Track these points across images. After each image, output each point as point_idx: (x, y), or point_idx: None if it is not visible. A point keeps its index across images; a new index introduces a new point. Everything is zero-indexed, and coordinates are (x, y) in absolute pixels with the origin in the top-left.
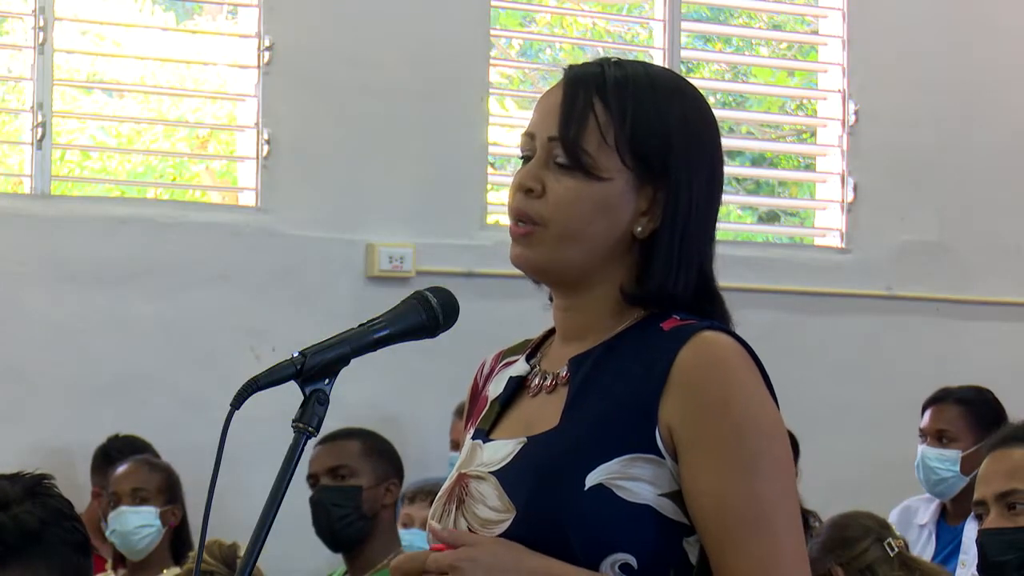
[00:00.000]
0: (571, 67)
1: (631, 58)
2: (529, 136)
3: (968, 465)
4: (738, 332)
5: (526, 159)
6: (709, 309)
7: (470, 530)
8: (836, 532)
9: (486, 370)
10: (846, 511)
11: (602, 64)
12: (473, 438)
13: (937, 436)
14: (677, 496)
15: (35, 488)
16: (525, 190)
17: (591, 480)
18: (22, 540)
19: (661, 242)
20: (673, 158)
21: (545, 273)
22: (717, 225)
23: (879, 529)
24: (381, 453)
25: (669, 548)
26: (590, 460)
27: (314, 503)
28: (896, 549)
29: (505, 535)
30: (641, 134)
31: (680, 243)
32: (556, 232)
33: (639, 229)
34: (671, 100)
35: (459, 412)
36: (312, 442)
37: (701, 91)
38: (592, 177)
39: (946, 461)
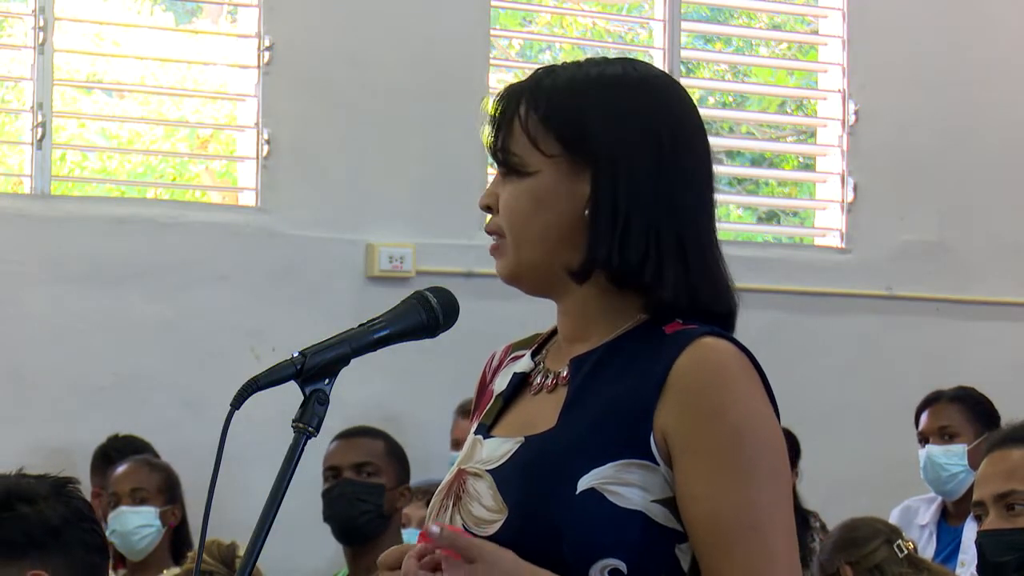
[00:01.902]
0: (509, 85)
1: (631, 58)
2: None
3: (974, 459)
4: (738, 332)
5: None
6: (698, 298)
7: (465, 528)
8: (846, 533)
9: (495, 363)
10: (856, 516)
11: (536, 73)
12: (475, 432)
13: (940, 434)
14: (670, 502)
15: (61, 489)
16: (485, 208)
17: (583, 484)
18: (43, 534)
19: (596, 212)
20: (592, 130)
21: (519, 280)
22: (717, 223)
23: (889, 532)
24: (399, 457)
25: (660, 554)
26: (584, 463)
27: (335, 495)
28: (905, 551)
29: (496, 535)
30: (553, 117)
31: (617, 208)
32: (511, 239)
33: (586, 213)
34: (592, 78)
35: (461, 411)
36: (322, 437)
37: (699, 90)
38: (522, 175)
39: (953, 456)
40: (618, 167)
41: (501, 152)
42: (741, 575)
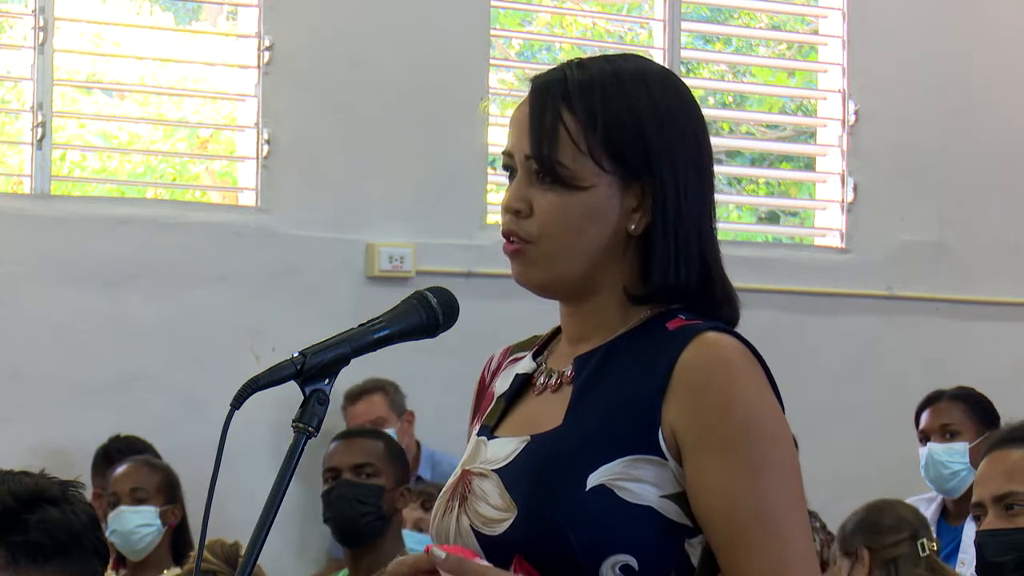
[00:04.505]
0: (535, 77)
1: (641, 56)
2: (508, 155)
3: (975, 457)
4: (738, 332)
5: (511, 175)
6: (710, 298)
7: (472, 528)
8: (873, 516)
9: (493, 365)
10: (886, 497)
11: (564, 69)
12: (478, 434)
13: (942, 432)
14: (679, 497)
15: (73, 492)
16: (513, 211)
17: (592, 480)
18: (68, 539)
19: (656, 235)
20: (651, 151)
21: (548, 288)
22: (717, 222)
23: (916, 526)
24: (399, 458)
25: (670, 550)
26: (592, 460)
27: (335, 497)
28: (927, 551)
29: (506, 534)
30: (614, 134)
31: (675, 233)
32: (548, 248)
33: (633, 227)
34: (641, 92)
35: (348, 397)
36: (321, 437)
37: (699, 90)
38: (574, 188)
39: (955, 454)
40: (674, 187)
41: (548, 161)
42: (760, 566)
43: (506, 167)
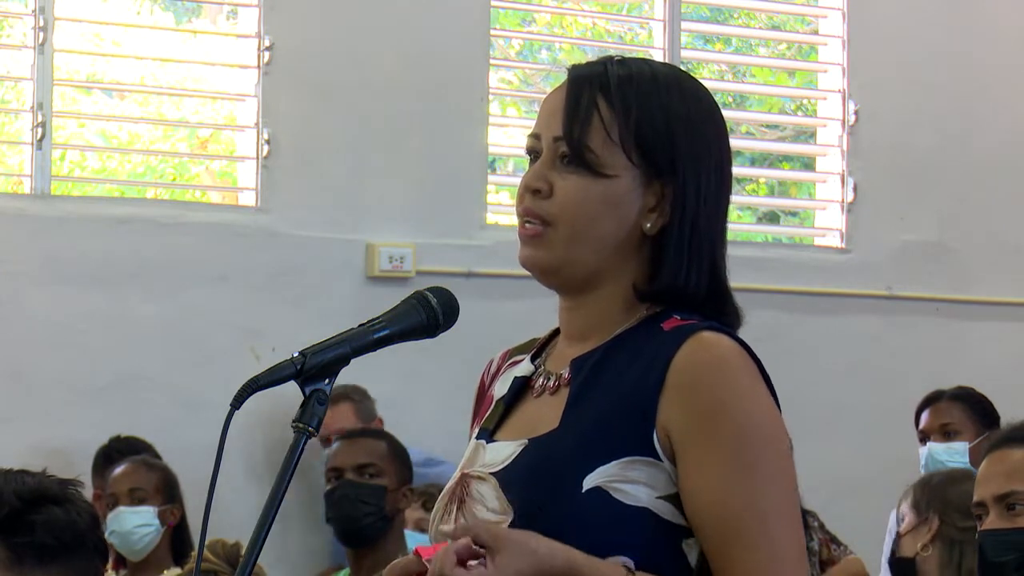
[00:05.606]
0: (575, 66)
1: (633, 56)
2: (535, 137)
3: (975, 457)
4: (739, 332)
5: (533, 159)
6: (720, 307)
7: None
8: (957, 489)
9: (492, 369)
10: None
11: (605, 63)
12: (477, 438)
13: (941, 431)
14: (675, 498)
15: (74, 490)
16: (533, 191)
17: (589, 483)
18: (72, 539)
19: (670, 238)
20: (679, 153)
21: (556, 274)
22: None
23: None
24: (402, 458)
25: (667, 551)
26: (588, 463)
27: (338, 497)
28: None
29: None
30: (646, 131)
31: (690, 238)
32: (565, 231)
33: (648, 225)
34: (675, 96)
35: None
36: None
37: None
38: (598, 175)
39: (955, 454)
40: (695, 193)
41: (577, 144)
42: (751, 566)
43: (530, 151)
